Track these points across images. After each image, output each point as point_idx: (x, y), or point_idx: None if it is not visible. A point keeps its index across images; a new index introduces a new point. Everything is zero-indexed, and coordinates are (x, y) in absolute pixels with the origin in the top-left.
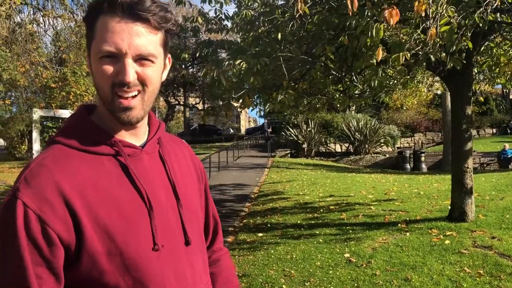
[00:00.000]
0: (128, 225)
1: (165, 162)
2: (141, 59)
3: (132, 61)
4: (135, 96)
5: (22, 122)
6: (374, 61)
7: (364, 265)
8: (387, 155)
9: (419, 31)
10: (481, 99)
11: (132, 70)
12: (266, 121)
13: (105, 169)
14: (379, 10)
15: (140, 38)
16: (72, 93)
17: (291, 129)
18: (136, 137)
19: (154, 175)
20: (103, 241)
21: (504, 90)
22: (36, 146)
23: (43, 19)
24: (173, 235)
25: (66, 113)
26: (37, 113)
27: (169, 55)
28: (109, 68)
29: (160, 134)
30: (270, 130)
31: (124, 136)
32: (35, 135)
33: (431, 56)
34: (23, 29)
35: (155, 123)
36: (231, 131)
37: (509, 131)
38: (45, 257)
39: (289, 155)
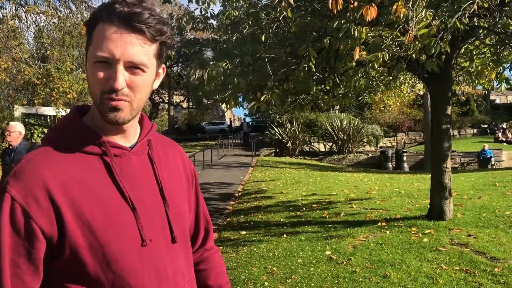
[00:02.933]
0: (110, 221)
1: (153, 164)
2: (132, 67)
3: (124, 68)
4: (123, 100)
5: (3, 120)
6: (354, 63)
7: (345, 262)
8: (370, 155)
9: (398, 33)
10: (463, 98)
11: (122, 77)
12: (244, 119)
13: (92, 168)
14: (360, 11)
15: (134, 48)
16: (55, 90)
17: (275, 128)
18: (126, 138)
19: (141, 176)
20: (85, 236)
21: (484, 91)
22: None
23: (25, 15)
24: (156, 233)
25: (49, 110)
26: (18, 110)
27: (163, 65)
28: (101, 74)
29: (150, 136)
30: (249, 129)
31: (114, 137)
32: None
33: (412, 57)
34: (4, 25)
35: (147, 125)
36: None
37: (489, 132)
38: (26, 248)
39: (273, 154)
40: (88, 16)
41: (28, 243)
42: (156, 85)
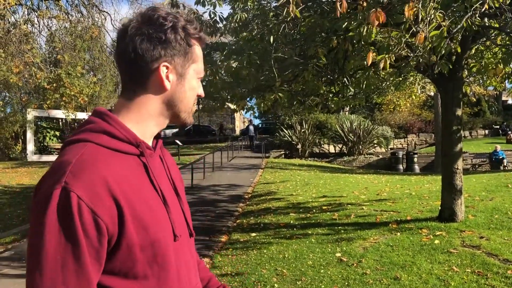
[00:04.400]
0: (155, 218)
1: (164, 164)
2: None
3: None
4: None
5: (16, 123)
6: (365, 63)
7: (355, 265)
8: (380, 156)
9: (407, 36)
10: (473, 99)
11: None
12: (250, 122)
13: (132, 167)
14: (369, 12)
15: None
16: (66, 95)
17: (285, 130)
18: (149, 140)
19: (162, 174)
20: (138, 233)
21: (496, 92)
22: (30, 147)
23: (37, 19)
24: (182, 228)
25: (59, 113)
26: (31, 114)
27: None
28: (198, 86)
29: (161, 140)
30: (255, 133)
31: (145, 139)
32: (29, 135)
33: (421, 59)
34: (17, 30)
35: None
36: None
37: (501, 133)
38: (94, 247)
39: (283, 156)
40: (180, 25)
41: (98, 243)
42: None
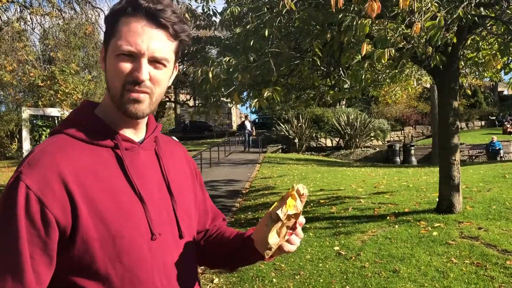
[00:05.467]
0: (122, 214)
1: (160, 160)
2: (155, 61)
3: (147, 62)
4: (145, 93)
5: (11, 121)
6: (359, 56)
7: (353, 258)
8: (377, 149)
9: (403, 26)
10: (469, 91)
11: (146, 70)
12: (246, 117)
13: (104, 160)
14: (364, 5)
15: (158, 43)
16: (60, 92)
17: (282, 125)
18: (136, 133)
19: (150, 171)
20: (97, 228)
21: (492, 83)
22: (26, 145)
23: (30, 17)
24: (164, 228)
25: (55, 112)
26: (26, 112)
27: (176, 64)
28: (126, 66)
29: (156, 133)
30: (251, 130)
31: (124, 131)
32: (25, 134)
33: (417, 50)
34: (10, 27)
35: (153, 124)
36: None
37: (497, 124)
38: (41, 238)
39: (280, 150)
40: (110, 9)
41: (44, 233)
42: (170, 81)
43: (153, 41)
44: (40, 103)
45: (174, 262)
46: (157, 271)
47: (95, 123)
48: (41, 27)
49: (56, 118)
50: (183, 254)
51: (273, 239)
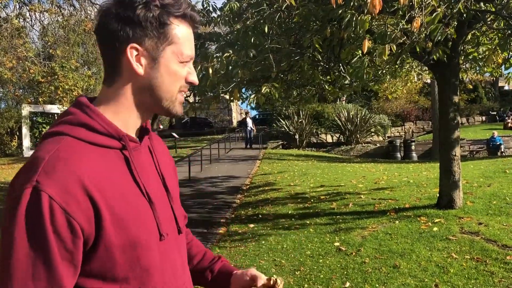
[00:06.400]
0: (137, 218)
1: (154, 156)
2: (191, 62)
3: None
4: None
5: (11, 119)
6: (360, 52)
7: (354, 254)
8: (378, 145)
9: (403, 22)
10: (470, 86)
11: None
12: (247, 113)
13: (112, 163)
14: (366, 1)
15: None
16: (60, 88)
17: (282, 121)
18: (133, 132)
19: (149, 168)
20: (119, 234)
21: (492, 78)
22: (26, 142)
23: (29, 13)
24: (168, 226)
25: (55, 108)
26: (26, 109)
27: None
28: (185, 71)
29: (149, 129)
30: (252, 127)
31: (131, 132)
32: (25, 131)
33: (417, 46)
34: (9, 24)
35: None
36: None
37: (498, 119)
38: (68, 250)
39: (280, 147)
40: (155, 9)
41: (72, 245)
42: None
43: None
44: (40, 99)
45: (176, 259)
46: (166, 272)
47: (103, 123)
48: (40, 23)
49: (56, 115)
50: (181, 249)
51: None
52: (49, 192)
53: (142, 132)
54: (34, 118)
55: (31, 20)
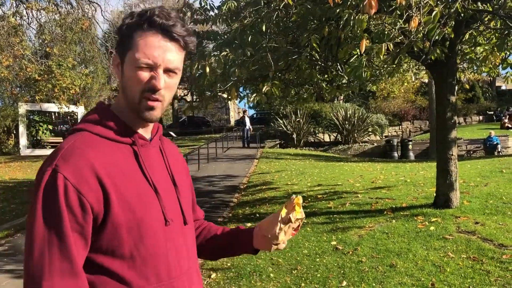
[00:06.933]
0: (143, 202)
1: (164, 156)
2: (168, 71)
3: (162, 72)
4: (158, 101)
5: (8, 117)
6: (357, 51)
7: (351, 253)
8: (375, 144)
9: (401, 21)
10: (467, 86)
11: (163, 79)
12: (244, 112)
13: (124, 155)
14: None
15: (171, 54)
16: (57, 86)
17: (280, 120)
18: (145, 132)
19: (158, 165)
20: (125, 215)
21: (490, 78)
22: (23, 141)
23: (26, 11)
24: (173, 215)
25: (53, 106)
26: (22, 107)
27: None
28: (144, 75)
29: (160, 133)
30: (250, 127)
31: (139, 130)
32: (22, 129)
33: (414, 45)
34: (5, 22)
35: (156, 125)
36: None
37: (495, 118)
38: (79, 223)
39: (278, 146)
40: (124, 22)
41: (82, 219)
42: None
43: (167, 53)
44: (37, 97)
45: (181, 246)
46: (170, 255)
47: (116, 122)
48: (37, 22)
49: (53, 114)
50: (187, 238)
51: (282, 236)
52: (64, 174)
53: (153, 134)
54: (31, 117)
55: (28, 18)
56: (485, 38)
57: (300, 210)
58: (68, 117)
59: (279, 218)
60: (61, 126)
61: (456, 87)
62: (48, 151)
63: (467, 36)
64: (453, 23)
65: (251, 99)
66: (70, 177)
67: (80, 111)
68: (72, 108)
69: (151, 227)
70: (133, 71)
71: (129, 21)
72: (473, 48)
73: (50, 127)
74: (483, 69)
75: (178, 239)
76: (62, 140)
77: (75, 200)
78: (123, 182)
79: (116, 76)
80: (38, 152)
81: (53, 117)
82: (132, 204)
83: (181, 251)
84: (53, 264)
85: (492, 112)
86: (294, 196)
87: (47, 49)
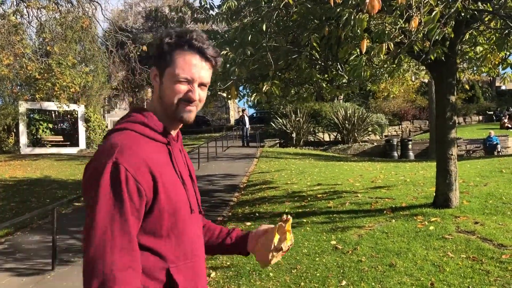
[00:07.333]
0: (177, 193)
1: (182, 153)
2: (201, 85)
3: (197, 86)
4: (194, 106)
5: (8, 115)
6: (357, 51)
7: (350, 252)
8: (375, 144)
9: (402, 21)
10: (467, 86)
11: (197, 92)
12: (244, 111)
13: (161, 152)
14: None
15: (204, 72)
16: (57, 85)
17: (279, 119)
18: (174, 134)
19: (180, 161)
20: (166, 202)
21: (489, 78)
22: (23, 139)
23: (26, 10)
24: (194, 204)
25: (52, 105)
26: (23, 106)
27: None
28: (183, 88)
29: (180, 135)
30: (248, 126)
31: (171, 132)
32: (22, 128)
33: (414, 45)
34: (6, 21)
35: None
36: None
37: (494, 118)
38: (136, 208)
39: (278, 145)
40: (163, 40)
41: (139, 205)
42: None
43: (202, 71)
44: (37, 96)
45: (198, 233)
46: (192, 237)
47: (158, 124)
48: (38, 20)
49: (53, 112)
50: (199, 226)
51: (274, 260)
52: (125, 166)
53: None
54: (31, 115)
55: (29, 17)
56: (485, 38)
57: (291, 236)
58: (69, 116)
59: (272, 247)
60: (61, 124)
61: (456, 87)
62: (48, 150)
63: (467, 36)
64: (453, 23)
65: (251, 98)
66: (130, 168)
67: (81, 110)
68: (73, 106)
69: (182, 214)
70: (173, 84)
71: (170, 41)
72: (473, 47)
73: (50, 125)
74: (483, 69)
75: (197, 227)
76: (62, 139)
77: (134, 188)
78: (164, 174)
79: (154, 85)
80: (38, 150)
81: (53, 115)
82: (171, 193)
83: (199, 238)
84: (115, 241)
85: (491, 112)
86: (285, 216)
87: (48, 48)
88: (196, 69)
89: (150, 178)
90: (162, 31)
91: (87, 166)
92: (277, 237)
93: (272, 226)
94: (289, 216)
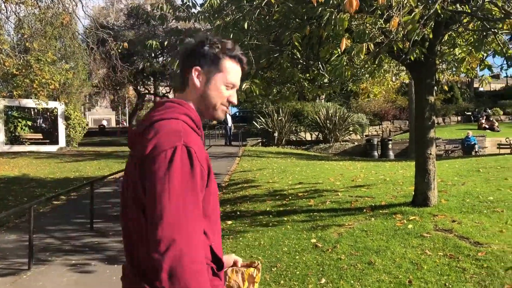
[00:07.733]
0: (213, 180)
1: None
2: (235, 89)
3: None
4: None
5: None
6: (338, 50)
7: (330, 250)
8: (356, 143)
9: (381, 21)
10: (446, 87)
11: (236, 96)
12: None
13: (200, 142)
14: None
15: (240, 78)
16: (36, 81)
17: (262, 118)
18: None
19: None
20: (212, 186)
21: (468, 79)
22: (1, 137)
23: (4, 5)
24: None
25: (30, 103)
26: (1, 103)
27: None
28: (227, 92)
29: None
30: (231, 125)
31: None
32: (0, 125)
33: (394, 45)
34: None
35: None
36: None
37: (472, 119)
38: (202, 185)
39: (260, 144)
40: (213, 46)
41: (202, 185)
42: None
43: (239, 77)
44: (15, 93)
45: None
46: (218, 217)
47: (196, 118)
48: (16, 16)
49: (32, 110)
50: None
51: None
52: (194, 149)
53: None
54: (9, 112)
55: (7, 12)
56: (463, 40)
57: (258, 281)
58: (48, 113)
59: None
60: (41, 121)
61: (435, 88)
62: (27, 148)
63: (446, 37)
64: (433, 24)
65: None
66: (197, 151)
67: (61, 107)
68: (53, 104)
69: (216, 198)
70: (220, 87)
71: (218, 50)
72: (451, 49)
73: (29, 123)
74: (462, 69)
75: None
76: (41, 137)
77: (200, 170)
78: (208, 160)
79: (192, 83)
80: (17, 148)
81: (33, 113)
82: (212, 179)
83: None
84: (191, 210)
85: (470, 113)
86: (256, 263)
87: (27, 44)
88: (238, 76)
89: (205, 163)
90: (206, 35)
91: (153, 149)
92: (245, 286)
93: (241, 261)
94: (259, 264)
